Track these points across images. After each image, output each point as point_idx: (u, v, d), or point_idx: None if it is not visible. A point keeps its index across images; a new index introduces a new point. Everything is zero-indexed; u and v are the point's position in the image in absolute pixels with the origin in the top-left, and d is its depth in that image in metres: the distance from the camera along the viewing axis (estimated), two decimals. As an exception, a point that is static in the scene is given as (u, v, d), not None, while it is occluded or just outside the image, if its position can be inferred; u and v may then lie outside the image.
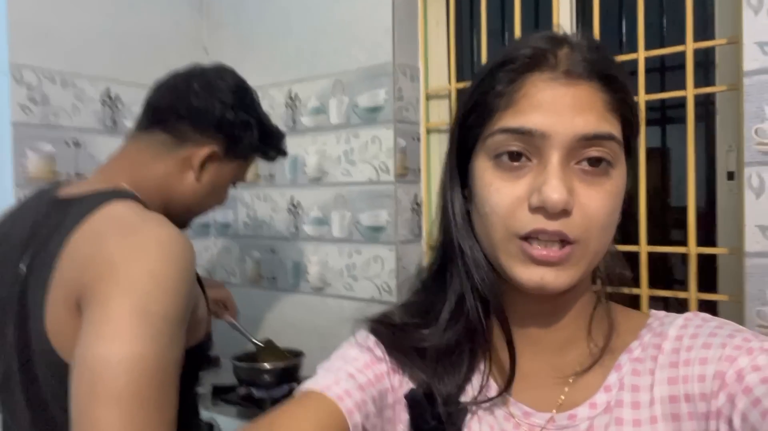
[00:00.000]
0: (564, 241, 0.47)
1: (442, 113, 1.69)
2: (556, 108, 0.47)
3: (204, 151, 0.93)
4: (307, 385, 0.55)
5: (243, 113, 0.97)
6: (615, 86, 0.49)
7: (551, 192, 0.45)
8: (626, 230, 1.30)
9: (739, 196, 1.14)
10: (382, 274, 1.59)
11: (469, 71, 1.66)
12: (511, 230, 0.49)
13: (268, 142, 1.05)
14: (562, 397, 0.53)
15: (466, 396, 0.55)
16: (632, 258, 1.24)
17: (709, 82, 1.27)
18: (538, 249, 0.48)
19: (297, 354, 1.51)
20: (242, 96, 0.99)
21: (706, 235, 1.25)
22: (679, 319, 0.54)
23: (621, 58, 1.32)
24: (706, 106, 1.51)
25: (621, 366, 0.53)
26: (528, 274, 0.48)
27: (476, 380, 0.55)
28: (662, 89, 1.49)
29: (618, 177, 0.49)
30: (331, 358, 0.59)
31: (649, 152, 1.32)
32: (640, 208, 1.26)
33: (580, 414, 0.52)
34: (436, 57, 1.68)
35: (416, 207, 1.65)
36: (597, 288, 0.57)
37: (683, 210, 1.29)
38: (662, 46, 1.31)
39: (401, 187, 1.59)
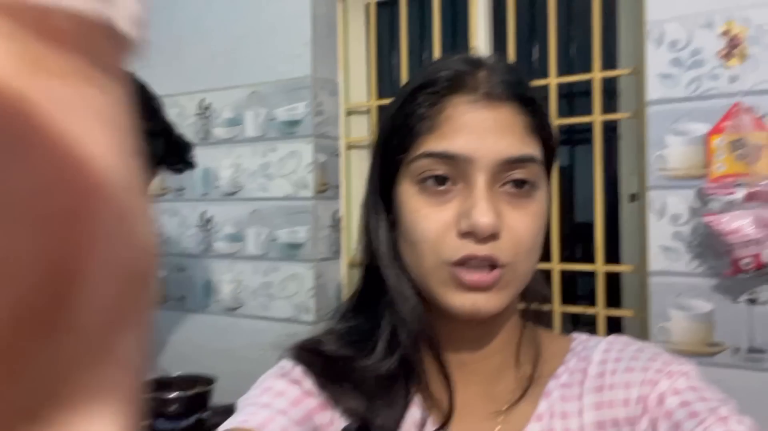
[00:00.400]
0: (493, 265, 0.47)
1: (362, 129, 1.67)
2: (479, 131, 0.47)
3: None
4: (236, 424, 0.49)
5: (147, 122, 0.90)
6: (533, 108, 0.50)
7: (480, 216, 0.45)
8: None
9: (642, 217, 1.22)
10: (300, 293, 1.54)
11: (389, 88, 1.66)
12: (441, 257, 0.48)
13: (175, 154, 0.98)
14: (498, 429, 0.53)
15: None
16: (544, 276, 1.28)
17: (612, 109, 1.35)
18: (469, 275, 0.47)
19: (207, 381, 1.41)
20: (144, 102, 0.91)
21: (609, 253, 1.32)
22: (602, 343, 0.55)
23: (533, 83, 1.37)
24: (608, 131, 1.61)
25: (550, 393, 0.53)
26: (461, 301, 0.48)
27: (411, 414, 0.53)
28: (570, 114, 1.57)
29: (541, 199, 0.50)
30: (255, 391, 0.54)
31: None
32: (552, 226, 1.31)
33: None
34: (355, 72, 1.66)
35: (335, 224, 1.61)
36: (522, 306, 0.57)
37: (585, 226, 1.36)
38: (570, 73, 1.38)
39: (320, 203, 1.55)
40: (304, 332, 1.50)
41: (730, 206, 1.00)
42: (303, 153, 1.53)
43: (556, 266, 1.31)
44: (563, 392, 0.52)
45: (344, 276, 1.63)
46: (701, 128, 1.08)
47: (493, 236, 0.46)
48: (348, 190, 1.65)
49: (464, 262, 0.47)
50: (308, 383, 0.53)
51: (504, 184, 0.48)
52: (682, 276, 1.10)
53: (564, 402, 0.52)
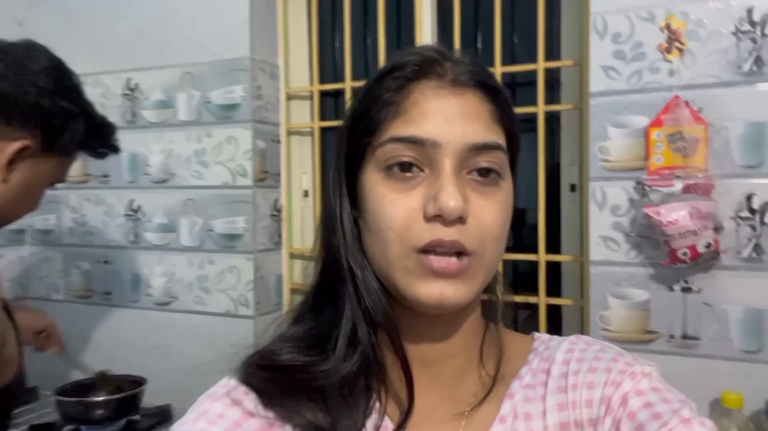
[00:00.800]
0: (460, 253, 0.46)
1: (303, 115, 1.61)
2: (446, 117, 0.47)
3: (13, 146, 0.77)
4: None
5: (63, 100, 0.82)
6: (499, 98, 0.50)
7: (448, 198, 0.44)
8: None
9: (583, 208, 1.24)
10: (238, 286, 1.47)
11: (332, 73, 1.60)
12: (407, 244, 0.46)
13: (96, 136, 0.89)
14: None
15: None
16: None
17: (554, 100, 1.36)
18: (437, 262, 0.45)
19: (137, 383, 1.33)
20: (60, 79, 0.83)
21: (549, 243, 1.34)
22: (564, 343, 0.54)
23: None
24: (550, 122, 1.63)
25: (513, 394, 0.51)
26: (427, 290, 0.46)
27: (371, 419, 0.50)
28: (513, 104, 1.57)
29: (507, 188, 0.50)
30: (191, 415, 0.50)
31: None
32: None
33: None
34: (297, 55, 1.60)
35: (276, 213, 1.55)
36: (484, 297, 0.56)
37: (523, 215, 1.38)
38: (514, 62, 1.38)
39: (260, 191, 1.48)
40: (242, 326, 1.44)
41: (668, 198, 1.02)
42: (241, 139, 1.46)
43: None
44: (526, 393, 0.51)
45: (285, 267, 1.57)
46: (641, 120, 1.10)
47: (460, 220, 0.45)
48: (289, 178, 1.58)
49: (431, 249, 0.46)
50: (250, 402, 0.50)
51: (470, 171, 0.47)
52: (621, 266, 1.13)
53: (527, 403, 0.50)
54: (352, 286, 0.50)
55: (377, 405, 0.50)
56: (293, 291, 1.59)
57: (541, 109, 1.28)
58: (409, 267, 0.46)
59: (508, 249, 1.33)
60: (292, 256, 1.60)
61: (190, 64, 1.51)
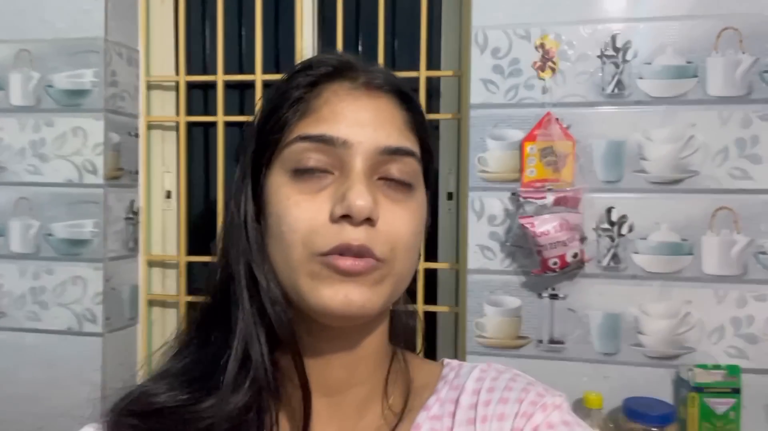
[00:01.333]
0: (367, 256, 0.42)
1: (167, 107, 1.45)
2: (358, 118, 0.45)
3: None
4: None
5: None
6: (412, 105, 0.49)
7: (356, 197, 0.42)
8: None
9: (461, 216, 1.25)
10: (83, 299, 1.28)
11: (201, 63, 1.47)
12: (311, 248, 0.43)
13: None
14: None
15: None
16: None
17: (432, 109, 1.37)
18: (342, 260, 0.42)
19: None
20: None
21: (426, 250, 1.36)
22: (475, 371, 0.51)
23: (362, 74, 1.32)
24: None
25: (420, 426, 0.48)
26: (332, 293, 0.42)
27: None
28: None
29: (420, 198, 0.47)
30: None
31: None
32: None
33: None
34: (160, 41, 1.44)
35: (132, 216, 1.38)
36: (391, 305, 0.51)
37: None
38: (394, 69, 1.37)
39: (113, 191, 1.31)
40: (88, 346, 1.26)
41: (541, 209, 1.07)
42: (90, 130, 1.27)
43: None
44: (433, 425, 0.48)
45: (142, 277, 1.41)
46: (517, 134, 1.14)
47: (369, 221, 0.42)
48: (148, 176, 1.42)
49: (337, 252, 0.42)
50: None
51: (381, 178, 0.45)
52: (496, 274, 1.16)
53: None
54: (249, 300, 0.45)
55: None
56: (151, 303, 1.43)
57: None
58: (313, 270, 0.43)
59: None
60: (151, 264, 1.44)
61: (29, 41, 1.29)
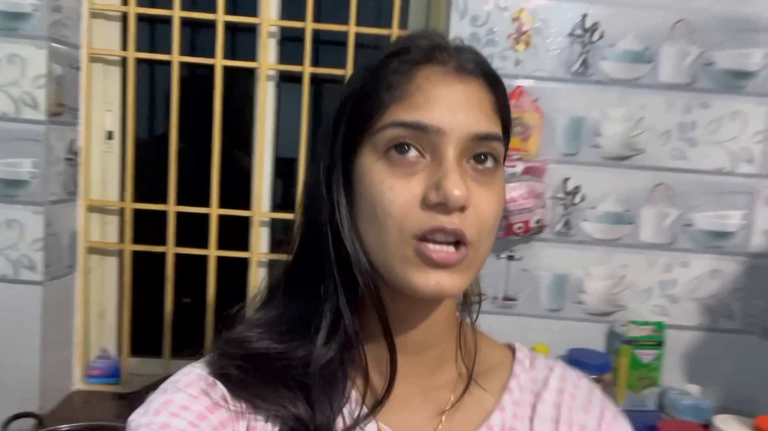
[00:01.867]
0: (458, 242, 0.45)
1: (111, 38, 1.33)
2: (451, 104, 0.45)
3: None
4: None
5: None
6: (499, 89, 0.50)
7: (453, 187, 0.43)
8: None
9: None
10: (20, 245, 1.17)
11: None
12: (406, 231, 0.44)
13: None
14: (440, 427, 0.50)
15: (338, 427, 0.47)
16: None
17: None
18: (436, 252, 0.44)
19: None
20: None
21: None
22: (557, 368, 0.55)
23: (333, 27, 1.30)
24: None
25: (504, 408, 0.52)
26: (424, 279, 0.44)
27: (347, 407, 0.49)
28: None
29: (502, 179, 0.50)
30: (153, 405, 0.46)
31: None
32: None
33: None
34: (106, -36, 1.30)
35: (72, 157, 1.27)
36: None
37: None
38: (362, 25, 1.35)
39: (54, 129, 1.19)
40: (26, 294, 1.19)
41: (510, 177, 1.14)
42: (31, 59, 1.14)
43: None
44: (516, 409, 0.52)
45: (81, 223, 1.31)
46: (489, 102, 1.18)
47: (461, 208, 0.44)
48: (89, 114, 1.31)
49: (431, 237, 0.44)
50: (218, 392, 0.47)
51: (469, 160, 0.46)
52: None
53: (515, 419, 0.52)
54: (340, 272, 0.47)
55: (354, 393, 0.49)
56: (90, 250, 1.34)
57: (392, 76, 1.29)
58: (407, 255, 0.44)
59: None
60: (90, 209, 1.34)
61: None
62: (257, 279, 1.34)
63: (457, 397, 0.51)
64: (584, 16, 1.17)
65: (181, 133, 1.32)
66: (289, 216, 1.33)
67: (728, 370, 1.23)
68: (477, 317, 0.55)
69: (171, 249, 1.33)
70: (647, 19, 1.18)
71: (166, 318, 1.36)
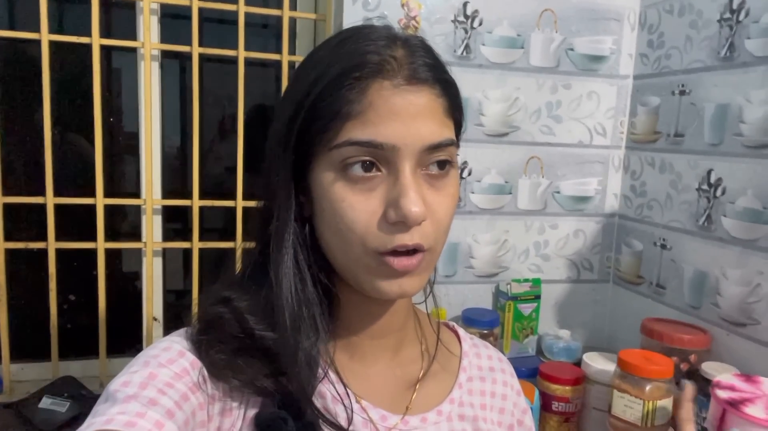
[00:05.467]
0: (417, 250, 0.48)
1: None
2: (403, 118, 0.46)
3: None
4: (121, 426, 0.40)
5: None
6: (452, 91, 0.51)
7: (411, 205, 0.45)
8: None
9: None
10: None
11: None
12: (370, 247, 0.47)
13: None
14: (411, 400, 0.57)
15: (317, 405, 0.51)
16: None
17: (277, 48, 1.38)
18: (398, 261, 0.47)
19: None
20: None
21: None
22: (491, 350, 0.67)
23: (221, 6, 1.26)
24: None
25: (461, 385, 0.61)
26: (388, 285, 0.49)
27: (326, 387, 0.53)
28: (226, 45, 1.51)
29: (456, 177, 0.52)
30: (138, 374, 0.45)
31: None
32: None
33: (430, 418, 0.56)
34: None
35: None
36: None
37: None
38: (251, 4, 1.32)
39: None
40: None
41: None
42: None
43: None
44: (469, 386, 0.61)
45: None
46: (382, 85, 1.23)
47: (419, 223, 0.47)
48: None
49: (393, 252, 0.47)
50: (198, 372, 0.48)
51: (424, 167, 0.49)
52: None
53: (470, 395, 0.60)
54: (301, 281, 0.51)
55: (330, 373, 0.52)
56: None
57: (285, 58, 1.29)
58: (370, 265, 0.48)
59: (254, 196, 1.33)
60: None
61: None
62: (152, 270, 1.29)
63: (424, 371, 0.58)
64: (465, 4, 1.26)
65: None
66: (186, 202, 1.29)
67: (591, 314, 1.45)
68: (435, 301, 0.62)
69: (53, 245, 1.23)
70: (519, 8, 1.30)
71: (51, 319, 1.26)
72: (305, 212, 0.52)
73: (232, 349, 0.49)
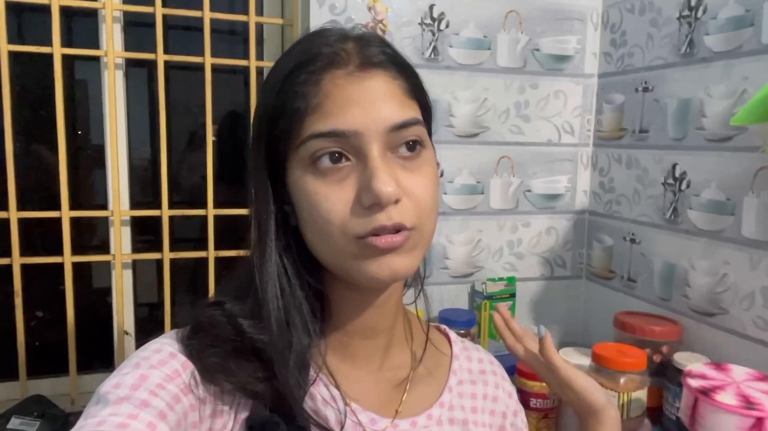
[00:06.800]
0: (399, 230, 0.48)
1: None
2: (361, 103, 0.47)
3: None
4: (113, 427, 0.40)
5: None
6: (408, 72, 0.51)
7: (382, 185, 0.45)
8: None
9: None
10: None
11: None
12: (350, 234, 0.47)
13: None
14: (401, 403, 0.56)
15: (307, 407, 0.51)
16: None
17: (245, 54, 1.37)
18: (380, 240, 0.47)
19: None
20: None
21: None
22: (482, 353, 0.67)
23: (185, 12, 1.24)
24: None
25: (452, 388, 0.61)
26: (377, 267, 0.48)
27: (316, 389, 0.52)
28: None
29: (431, 158, 0.52)
30: (130, 376, 0.45)
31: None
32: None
33: (420, 422, 0.56)
34: None
35: None
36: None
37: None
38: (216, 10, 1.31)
39: None
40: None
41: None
42: None
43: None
44: (459, 389, 0.61)
45: None
46: (352, 89, 1.23)
47: (396, 202, 0.47)
48: None
49: (373, 234, 0.47)
50: (189, 374, 0.47)
51: (394, 149, 0.48)
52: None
53: (461, 399, 0.60)
54: (289, 287, 0.51)
55: (321, 376, 0.52)
56: None
57: (253, 63, 1.28)
58: (354, 252, 0.47)
59: (228, 204, 1.32)
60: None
61: None
62: (122, 282, 1.27)
63: (413, 375, 0.58)
64: (431, 6, 1.27)
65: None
66: (155, 213, 1.27)
67: (566, 310, 1.47)
68: (425, 299, 0.61)
69: (17, 260, 1.20)
70: (485, 9, 1.31)
71: (18, 337, 1.23)
72: (291, 221, 0.52)
73: (224, 352, 0.48)
